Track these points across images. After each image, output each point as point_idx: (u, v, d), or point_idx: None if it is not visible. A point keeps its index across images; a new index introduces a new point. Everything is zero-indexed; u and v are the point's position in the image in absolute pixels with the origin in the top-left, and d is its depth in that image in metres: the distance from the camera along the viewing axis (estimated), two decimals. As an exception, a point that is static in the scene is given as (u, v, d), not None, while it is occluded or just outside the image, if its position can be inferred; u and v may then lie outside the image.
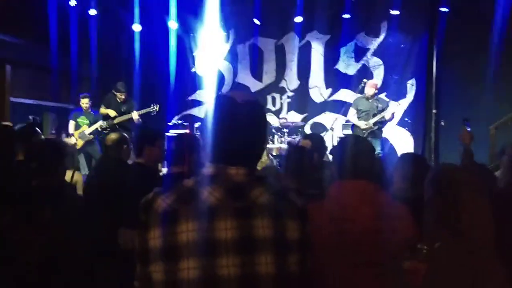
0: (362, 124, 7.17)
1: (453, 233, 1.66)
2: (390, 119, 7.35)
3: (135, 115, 7.34)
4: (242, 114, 1.22)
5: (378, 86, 7.64)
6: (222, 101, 1.27)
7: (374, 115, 7.14)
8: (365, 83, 7.33)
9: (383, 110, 7.16)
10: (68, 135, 7.31)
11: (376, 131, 7.19)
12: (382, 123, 7.22)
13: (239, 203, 1.18)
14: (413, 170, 2.53)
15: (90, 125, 7.41)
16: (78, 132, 7.34)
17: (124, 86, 7.55)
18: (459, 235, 1.65)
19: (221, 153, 1.23)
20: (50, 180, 2.31)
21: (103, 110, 7.56)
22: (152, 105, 7.61)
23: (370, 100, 7.25)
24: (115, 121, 7.40)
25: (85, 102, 7.43)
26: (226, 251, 1.13)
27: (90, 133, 7.33)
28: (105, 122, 7.33)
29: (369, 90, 7.25)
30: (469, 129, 3.25)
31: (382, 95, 8.49)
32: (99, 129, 7.35)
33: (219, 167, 1.22)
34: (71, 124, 7.44)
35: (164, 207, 1.17)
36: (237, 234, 1.15)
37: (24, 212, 2.13)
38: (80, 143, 7.29)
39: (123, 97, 7.51)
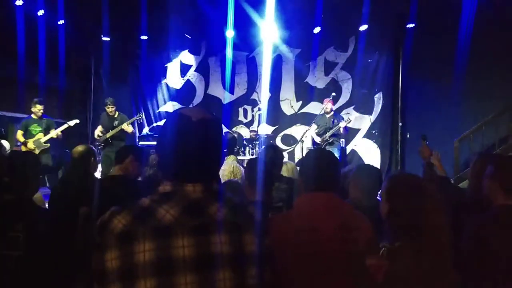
0: (318, 139, 7.76)
1: (412, 236, 1.74)
2: (346, 131, 7.87)
3: (126, 126, 7.36)
4: (197, 132, 1.21)
5: (345, 99, 8.05)
6: (177, 119, 1.25)
7: (329, 129, 7.69)
8: (334, 96, 7.62)
9: (337, 125, 7.65)
10: (21, 144, 6.94)
11: (333, 141, 7.70)
12: (337, 135, 7.73)
13: (196, 220, 1.17)
14: (368, 181, 2.62)
15: (44, 131, 7.02)
16: (33, 140, 6.96)
17: (113, 100, 7.48)
18: (418, 238, 1.72)
19: (177, 170, 1.22)
20: (22, 195, 2.26)
21: (97, 131, 7.58)
22: (138, 113, 8.11)
23: (327, 116, 7.78)
24: (108, 135, 7.37)
25: (39, 108, 7.00)
26: (183, 269, 1.12)
27: (46, 142, 6.98)
28: (60, 132, 7.05)
29: (326, 106, 7.82)
30: (427, 143, 3.42)
31: (350, 108, 8.69)
32: (57, 137, 7.05)
33: (176, 184, 1.21)
34: (19, 133, 7.02)
35: (120, 228, 1.14)
36: (195, 251, 1.14)
37: None
38: (36, 152, 6.87)
39: (113, 109, 7.49)
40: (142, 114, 8.15)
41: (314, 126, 7.94)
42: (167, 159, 1.25)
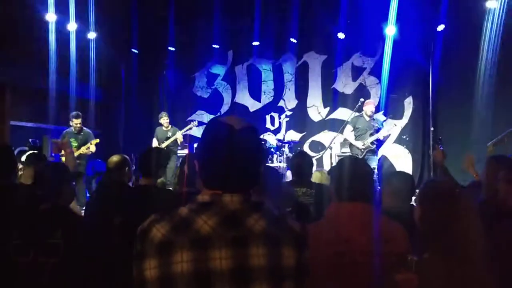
0: (359, 144, 7.14)
1: (444, 246, 1.69)
2: (385, 139, 7.38)
3: (179, 136, 7.88)
4: (238, 141, 1.21)
5: (375, 104, 7.67)
6: (218, 127, 1.25)
7: (371, 135, 7.12)
8: (362, 102, 7.31)
9: (379, 130, 7.18)
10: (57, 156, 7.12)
11: (373, 149, 7.19)
12: (377, 140, 7.24)
13: (234, 232, 1.16)
14: (401, 187, 2.58)
15: (78, 147, 7.08)
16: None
17: (166, 113, 8.05)
18: (451, 248, 1.67)
19: (216, 179, 1.22)
20: (57, 204, 2.33)
21: (153, 143, 8.06)
22: (192, 122, 8.47)
23: (368, 120, 7.24)
24: (163, 145, 7.84)
25: (78, 123, 7.11)
26: (221, 281, 1.12)
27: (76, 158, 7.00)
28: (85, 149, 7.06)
29: (369, 108, 7.24)
30: (441, 148, 3.33)
31: (380, 114, 8.56)
32: (87, 152, 7.07)
33: (214, 194, 1.21)
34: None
35: (159, 237, 1.15)
36: (232, 263, 1.13)
37: (33, 236, 2.15)
38: None
39: (167, 121, 8.10)
40: (195, 122, 8.59)
41: (349, 128, 7.36)
42: (206, 166, 1.24)
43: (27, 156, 4.10)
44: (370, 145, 7.10)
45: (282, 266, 1.18)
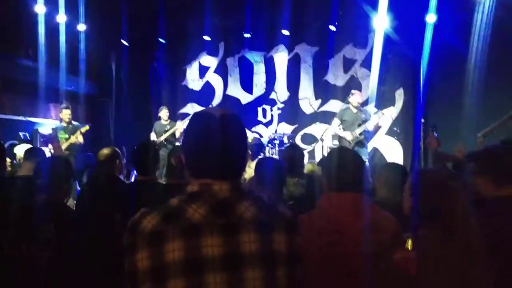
0: (348, 135, 7.07)
1: (435, 222, 1.70)
2: (375, 130, 7.37)
3: (180, 127, 7.93)
4: (220, 128, 1.22)
5: (366, 97, 7.65)
6: (199, 118, 1.28)
7: (359, 125, 7.06)
8: (352, 93, 7.31)
9: (366, 121, 7.11)
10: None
11: (362, 140, 7.13)
12: (367, 132, 7.20)
13: (225, 219, 1.18)
14: (394, 178, 2.61)
15: (67, 139, 7.07)
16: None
17: (167, 107, 8.23)
18: (447, 227, 1.69)
19: (203, 169, 1.23)
20: (54, 197, 2.32)
21: (151, 136, 8.21)
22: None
23: (355, 111, 7.18)
24: (162, 138, 7.99)
25: (67, 114, 7.09)
26: (213, 268, 1.13)
27: (66, 149, 6.97)
28: (76, 138, 7.03)
29: (355, 99, 7.18)
30: (436, 135, 3.37)
31: (371, 106, 8.58)
32: (77, 142, 7.03)
33: (203, 183, 1.22)
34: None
35: (150, 228, 1.15)
36: (224, 250, 1.15)
37: (27, 229, 2.14)
38: None
39: (167, 114, 8.28)
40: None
41: (336, 121, 7.29)
42: (193, 158, 1.26)
43: (26, 151, 4.12)
44: (359, 136, 7.04)
45: (274, 252, 1.19)
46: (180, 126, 7.93)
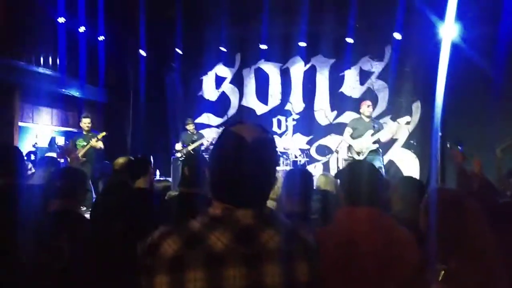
0: (359, 144, 6.92)
1: (467, 255, 1.66)
2: (391, 141, 7.26)
3: (205, 141, 8.36)
4: (251, 154, 1.16)
5: (382, 108, 7.49)
6: (230, 138, 1.20)
7: (372, 134, 6.91)
8: (369, 106, 7.22)
9: (379, 130, 6.96)
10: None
11: (376, 149, 6.97)
12: (379, 141, 7.00)
13: (248, 249, 1.14)
14: (411, 193, 2.55)
15: (84, 147, 7.14)
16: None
17: (192, 120, 8.64)
18: (473, 257, 1.65)
19: (228, 193, 1.18)
20: (68, 206, 2.34)
21: (177, 146, 8.50)
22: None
23: (367, 120, 7.06)
24: (189, 148, 8.36)
25: (86, 122, 7.23)
26: None
27: (83, 155, 7.04)
28: (93, 144, 7.09)
29: (366, 109, 7.08)
30: (461, 149, 3.31)
31: (387, 118, 8.52)
32: (97, 147, 7.11)
33: (226, 208, 1.17)
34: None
35: (170, 253, 1.12)
36: (246, 282, 1.11)
37: (40, 237, 2.15)
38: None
39: (193, 126, 8.66)
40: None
41: (348, 131, 7.12)
42: (218, 180, 1.21)
43: (39, 159, 4.17)
44: (372, 145, 6.90)
45: (296, 283, 1.16)
46: (205, 142, 8.37)
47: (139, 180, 3.38)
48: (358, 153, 6.90)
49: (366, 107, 7.10)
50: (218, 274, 1.10)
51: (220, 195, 1.20)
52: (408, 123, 7.27)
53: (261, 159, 1.19)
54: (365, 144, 6.88)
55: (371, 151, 6.91)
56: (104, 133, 7.24)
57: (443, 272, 1.67)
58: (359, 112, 7.90)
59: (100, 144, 7.12)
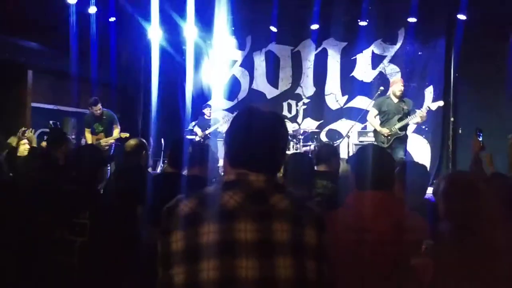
0: (385, 130, 6.20)
1: (461, 236, 1.67)
2: (417, 123, 6.60)
3: (220, 126, 8.60)
4: (264, 123, 1.28)
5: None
6: (247, 112, 1.34)
7: (400, 119, 6.19)
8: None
9: (409, 113, 6.24)
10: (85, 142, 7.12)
11: (402, 136, 6.23)
12: (406, 126, 6.33)
13: (259, 207, 1.21)
14: (415, 180, 2.52)
15: (105, 131, 7.11)
16: (96, 138, 7.09)
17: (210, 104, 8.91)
18: (467, 239, 1.66)
19: (243, 159, 1.27)
20: (89, 186, 2.39)
21: (196, 129, 8.80)
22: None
23: (396, 101, 6.28)
24: (207, 132, 8.65)
25: (97, 109, 7.00)
26: (245, 252, 1.16)
27: (105, 145, 7.01)
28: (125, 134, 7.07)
29: (397, 87, 6.26)
30: (480, 139, 3.28)
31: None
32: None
33: (240, 173, 1.26)
34: (87, 131, 7.17)
35: (186, 211, 1.21)
36: (257, 236, 1.17)
37: (63, 215, 2.21)
38: None
39: (209, 111, 8.96)
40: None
41: (373, 112, 6.39)
42: (234, 147, 1.31)
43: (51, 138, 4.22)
44: (399, 132, 6.17)
45: (304, 244, 1.22)
46: (221, 127, 8.52)
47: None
48: (382, 141, 6.22)
49: (400, 86, 6.28)
50: (230, 227, 1.18)
51: (235, 160, 1.29)
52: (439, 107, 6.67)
53: (274, 129, 1.31)
54: (392, 130, 6.19)
55: (397, 139, 6.23)
56: (126, 135, 7.00)
57: (425, 247, 1.68)
58: (370, 97, 7.80)
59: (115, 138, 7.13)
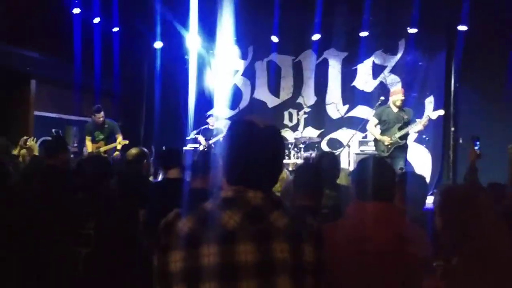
0: (386, 139, 6.25)
1: (470, 252, 1.66)
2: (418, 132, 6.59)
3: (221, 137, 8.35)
4: (262, 139, 1.25)
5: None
6: (243, 125, 1.31)
7: (400, 129, 6.24)
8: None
9: (409, 122, 6.31)
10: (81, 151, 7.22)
11: (403, 145, 6.27)
12: (407, 135, 6.38)
13: (258, 226, 1.20)
14: (414, 190, 2.53)
15: (106, 139, 7.10)
16: (96, 147, 7.07)
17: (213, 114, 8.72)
18: (477, 253, 1.65)
19: (240, 175, 1.26)
20: (95, 194, 2.40)
21: (200, 139, 8.78)
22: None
23: (396, 111, 6.31)
24: (210, 142, 8.64)
25: (100, 117, 6.98)
26: (246, 274, 1.15)
27: (105, 152, 6.98)
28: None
29: (398, 97, 6.32)
30: (476, 148, 3.29)
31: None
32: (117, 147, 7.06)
33: (238, 190, 1.24)
34: (87, 139, 7.16)
35: (185, 231, 1.19)
36: (257, 257, 1.17)
37: (70, 224, 2.22)
38: None
39: (214, 121, 8.93)
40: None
41: (373, 121, 6.43)
42: (232, 164, 1.28)
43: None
44: (399, 141, 6.21)
45: (304, 262, 1.22)
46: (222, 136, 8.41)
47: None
48: (382, 150, 6.29)
49: (400, 96, 6.33)
50: (230, 249, 1.17)
51: (232, 177, 1.28)
52: (439, 116, 6.70)
53: (271, 144, 1.28)
54: (392, 139, 6.23)
55: (397, 148, 6.27)
56: (126, 142, 7.02)
57: (441, 268, 1.68)
58: (371, 107, 7.83)
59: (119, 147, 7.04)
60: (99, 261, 2.18)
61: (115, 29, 8.68)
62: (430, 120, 6.61)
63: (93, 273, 2.17)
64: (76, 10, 7.85)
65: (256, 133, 1.26)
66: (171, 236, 1.20)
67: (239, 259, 1.16)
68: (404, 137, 6.31)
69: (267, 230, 1.21)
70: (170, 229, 1.21)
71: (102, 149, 7.05)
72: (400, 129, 6.26)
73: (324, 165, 3.29)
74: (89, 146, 7.18)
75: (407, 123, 6.31)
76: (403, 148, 6.35)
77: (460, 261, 1.67)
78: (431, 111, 8.45)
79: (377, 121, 6.49)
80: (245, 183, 1.25)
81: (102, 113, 7.03)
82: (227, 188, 1.27)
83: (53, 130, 8.33)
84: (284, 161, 7.46)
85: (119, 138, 7.10)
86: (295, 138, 8.63)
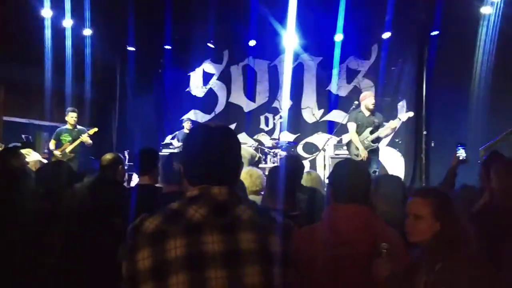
0: (360, 143, 6.31)
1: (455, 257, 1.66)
2: (387, 136, 6.76)
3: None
4: (215, 137, 1.32)
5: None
6: (199, 129, 1.39)
7: (372, 132, 6.34)
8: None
9: (379, 126, 6.41)
10: (49, 152, 6.99)
11: (375, 148, 6.40)
12: (378, 139, 6.48)
13: (224, 219, 1.23)
14: (393, 192, 2.56)
15: (72, 141, 6.97)
16: (60, 150, 6.92)
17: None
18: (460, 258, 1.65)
19: (202, 174, 1.29)
20: (58, 204, 2.32)
21: (175, 142, 8.66)
22: None
23: (368, 115, 6.42)
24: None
25: (74, 116, 6.98)
26: (214, 263, 1.17)
27: (71, 151, 6.91)
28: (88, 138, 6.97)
29: (369, 101, 6.40)
30: (459, 153, 3.36)
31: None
32: (86, 144, 6.97)
33: (202, 187, 1.27)
34: (52, 142, 7.02)
35: (152, 228, 1.20)
36: (224, 247, 1.19)
37: (32, 234, 2.14)
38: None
39: (189, 124, 8.88)
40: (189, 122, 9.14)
41: (352, 125, 6.40)
42: (193, 166, 1.32)
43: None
44: (372, 144, 6.32)
45: (270, 252, 1.24)
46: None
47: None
48: (356, 154, 6.35)
49: (372, 100, 6.43)
50: (197, 240, 1.19)
51: (195, 177, 1.31)
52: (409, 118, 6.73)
53: (227, 141, 1.34)
54: (365, 142, 6.32)
55: (370, 151, 6.34)
56: (96, 129, 7.06)
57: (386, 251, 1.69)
58: (346, 111, 7.90)
59: (89, 140, 7.01)
60: (64, 273, 2.11)
61: (86, 32, 8.50)
62: (401, 123, 6.71)
63: (56, 280, 2.09)
64: (47, 14, 7.66)
65: (208, 133, 1.32)
66: (138, 235, 1.20)
67: (206, 249, 1.18)
68: (377, 140, 6.43)
69: (233, 222, 1.24)
70: (137, 230, 1.22)
71: (68, 148, 6.91)
72: (371, 132, 6.37)
73: (289, 168, 3.30)
74: (51, 144, 7.01)
75: (377, 127, 6.42)
76: (376, 151, 6.46)
77: (443, 267, 1.66)
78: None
79: (355, 125, 6.47)
80: (207, 181, 1.28)
81: (76, 114, 7.04)
82: (191, 189, 1.29)
83: (23, 136, 8.10)
84: (261, 165, 7.59)
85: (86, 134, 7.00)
86: (272, 139, 8.65)
